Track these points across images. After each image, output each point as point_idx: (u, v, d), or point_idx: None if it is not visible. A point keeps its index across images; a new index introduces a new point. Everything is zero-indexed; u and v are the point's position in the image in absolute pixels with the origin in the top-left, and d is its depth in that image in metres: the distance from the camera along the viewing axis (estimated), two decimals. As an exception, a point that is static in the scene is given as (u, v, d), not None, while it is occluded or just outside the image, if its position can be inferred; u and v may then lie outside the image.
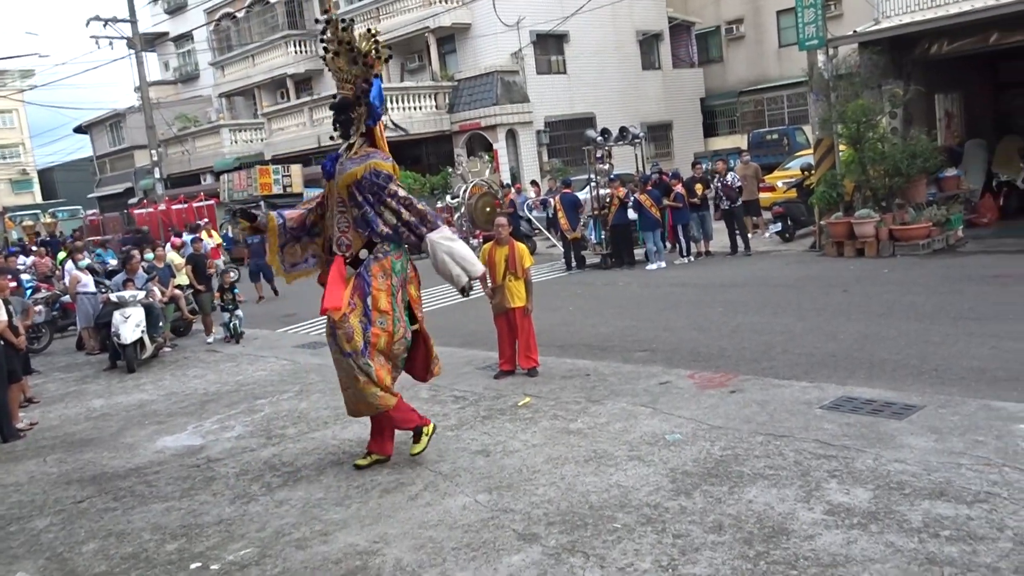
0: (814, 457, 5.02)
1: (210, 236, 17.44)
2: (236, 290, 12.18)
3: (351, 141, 5.67)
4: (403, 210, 5.48)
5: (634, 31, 30.48)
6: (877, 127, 13.60)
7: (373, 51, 5.58)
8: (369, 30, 5.68)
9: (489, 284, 7.91)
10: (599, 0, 26.25)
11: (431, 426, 5.82)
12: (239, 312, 11.99)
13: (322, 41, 5.66)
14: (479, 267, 5.72)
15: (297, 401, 7.97)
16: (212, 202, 27.05)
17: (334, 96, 5.87)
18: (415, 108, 26.97)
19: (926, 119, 15.37)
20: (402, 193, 5.53)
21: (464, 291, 5.60)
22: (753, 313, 9.93)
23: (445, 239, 5.56)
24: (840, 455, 5.00)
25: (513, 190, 21.81)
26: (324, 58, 5.67)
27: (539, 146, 27.42)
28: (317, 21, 6.22)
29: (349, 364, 5.43)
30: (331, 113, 5.85)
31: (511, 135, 26.92)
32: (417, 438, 5.76)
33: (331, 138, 5.95)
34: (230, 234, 24.09)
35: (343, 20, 5.62)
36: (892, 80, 14.56)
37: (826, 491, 4.50)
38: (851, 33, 15.18)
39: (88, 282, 12.49)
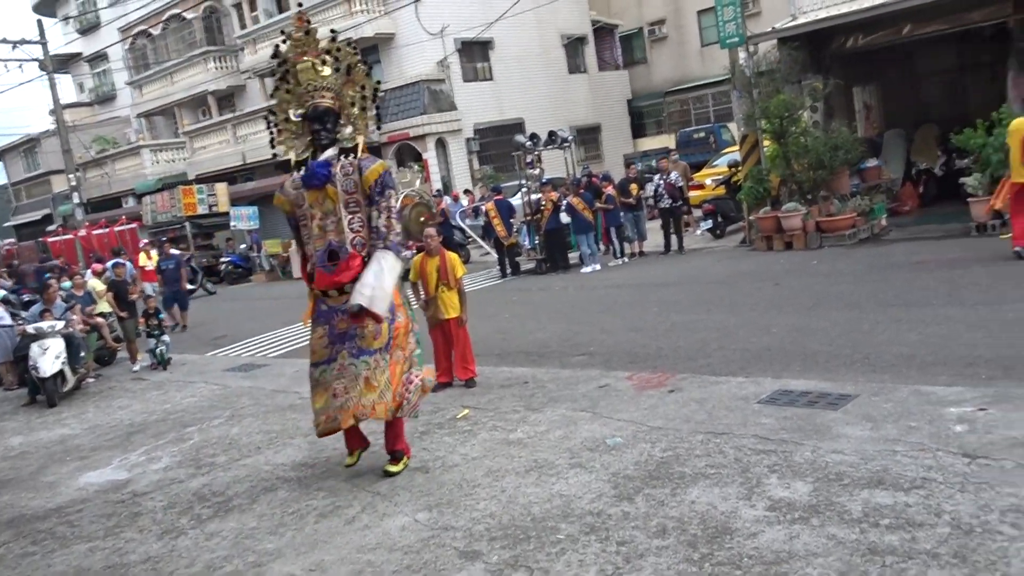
0: (754, 453, 5.00)
1: (149, 258, 16.85)
2: (161, 315, 11.79)
3: (328, 151, 5.53)
4: (389, 216, 5.49)
5: (558, 35, 30.64)
6: (799, 121, 13.85)
7: (360, 64, 5.66)
8: (347, 41, 5.71)
9: (422, 295, 7.77)
10: (522, 5, 26.31)
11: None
12: (165, 338, 11.60)
13: (299, 48, 5.55)
14: (382, 306, 5.41)
15: (228, 427, 7.70)
16: (135, 225, 26.29)
17: (268, 110, 5.82)
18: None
19: (846, 112, 15.73)
20: (393, 201, 5.59)
21: (350, 310, 5.37)
22: (688, 311, 9.98)
23: (391, 261, 5.45)
24: (779, 449, 4.99)
25: (449, 199, 21.68)
26: (292, 67, 5.53)
27: (469, 154, 27.33)
28: (301, 32, 6.09)
29: (369, 362, 5.37)
30: (255, 129, 5.81)
31: (440, 144, 26.77)
32: (398, 460, 5.68)
33: (322, 146, 5.63)
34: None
35: (332, 31, 5.68)
36: (811, 75, 14.87)
37: (767, 487, 4.47)
38: (770, 30, 15.45)
39: (3, 314, 11.95)
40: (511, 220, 16.02)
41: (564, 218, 15.12)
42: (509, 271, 15.90)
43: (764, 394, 6.09)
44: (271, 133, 5.72)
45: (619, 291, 12.36)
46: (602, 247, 15.99)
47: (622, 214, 15.44)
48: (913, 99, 17.94)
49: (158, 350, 11.44)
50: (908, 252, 11.68)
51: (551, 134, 17.07)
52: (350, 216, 5.46)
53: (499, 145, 27.55)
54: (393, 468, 5.60)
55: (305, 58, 5.46)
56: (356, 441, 5.89)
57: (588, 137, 31.57)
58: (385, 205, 5.45)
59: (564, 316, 11.08)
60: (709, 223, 16.17)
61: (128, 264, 15.50)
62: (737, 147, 16.34)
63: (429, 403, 7.31)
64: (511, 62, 28.95)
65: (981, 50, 15.96)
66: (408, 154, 26.68)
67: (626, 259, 15.35)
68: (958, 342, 6.83)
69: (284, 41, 5.56)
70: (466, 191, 23.93)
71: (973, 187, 11.91)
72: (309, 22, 5.63)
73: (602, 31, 32.91)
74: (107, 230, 26.46)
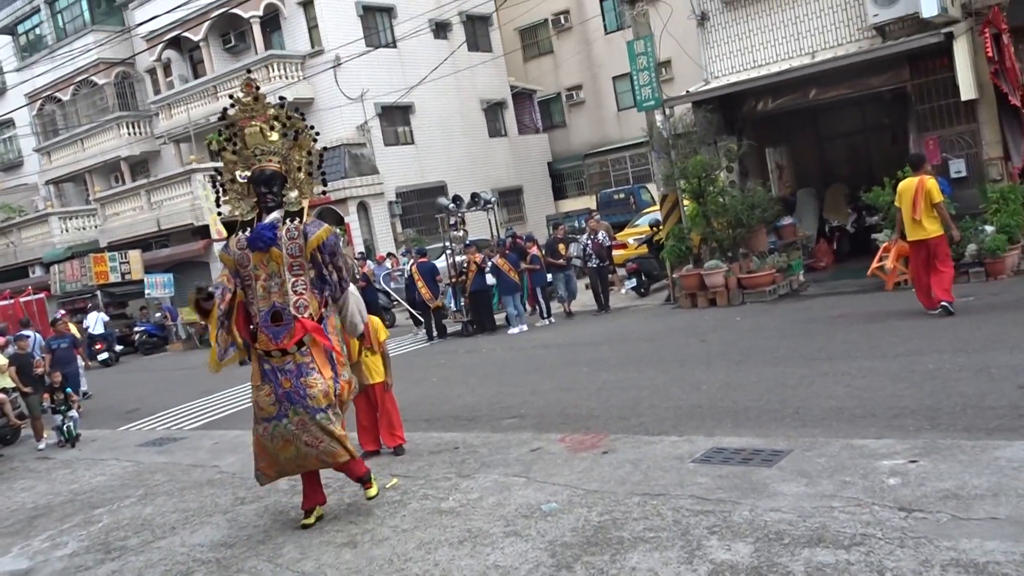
0: (692, 514, 4.90)
1: (75, 328, 15.94)
2: (68, 389, 11.19)
3: (274, 214, 5.61)
4: (341, 269, 5.75)
5: (478, 100, 31.07)
6: (716, 181, 14.20)
7: (307, 130, 5.86)
8: (293, 108, 6.03)
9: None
10: (441, 71, 26.64)
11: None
12: (73, 413, 10.99)
13: (247, 112, 5.67)
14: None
15: (140, 507, 7.25)
16: (42, 295, 25.20)
17: (215, 170, 6.05)
18: (261, 185, 26.29)
19: (760, 171, 16.21)
20: (341, 261, 5.79)
21: (360, 338, 6.01)
22: (618, 370, 9.95)
23: (355, 292, 6.16)
24: (717, 509, 4.91)
25: (372, 262, 21.45)
26: (240, 130, 5.65)
27: (392, 217, 27.24)
28: (250, 97, 6.18)
29: (325, 418, 5.52)
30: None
31: (363, 207, 26.62)
32: (369, 483, 5.95)
33: (269, 208, 5.69)
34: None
35: (282, 97, 5.93)
36: (726, 136, 15.31)
37: (708, 549, 4.36)
38: (684, 93, 15.91)
39: None
40: (436, 282, 15.89)
41: (489, 279, 15.08)
42: (435, 334, 15.71)
43: (698, 452, 6.03)
44: (216, 192, 5.82)
45: (547, 351, 12.29)
46: (528, 308, 15.96)
47: (551, 275, 15.51)
48: (822, 159, 18.65)
49: (65, 426, 10.82)
50: (827, 306, 11.96)
51: (474, 196, 17.13)
52: (294, 279, 5.55)
53: (422, 208, 27.55)
54: (372, 492, 5.93)
55: (253, 122, 5.59)
56: (316, 496, 5.98)
57: (511, 199, 31.87)
58: (337, 264, 5.69)
59: (493, 378, 10.93)
60: (633, 282, 16.34)
61: (35, 336, 14.76)
62: (657, 207, 16.63)
63: (336, 480, 7.03)
64: (432, 126, 29.17)
65: (883, 113, 16.72)
66: (330, 217, 26.38)
67: (552, 319, 15.34)
68: (883, 394, 6.93)
69: (232, 105, 5.67)
70: (389, 254, 23.75)
71: (883, 243, 12.32)
72: (258, 88, 5.82)
73: (521, 96, 33.54)
74: (11, 301, 25.27)
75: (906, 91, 14.06)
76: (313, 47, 27.51)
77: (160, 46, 30.40)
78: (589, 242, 15.46)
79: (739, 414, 7.13)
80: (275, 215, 5.55)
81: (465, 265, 15.65)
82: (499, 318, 15.83)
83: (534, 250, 15.46)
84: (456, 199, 17.13)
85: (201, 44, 29.72)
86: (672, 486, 5.43)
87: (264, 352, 5.53)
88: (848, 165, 18.43)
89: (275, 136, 5.64)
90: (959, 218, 10.48)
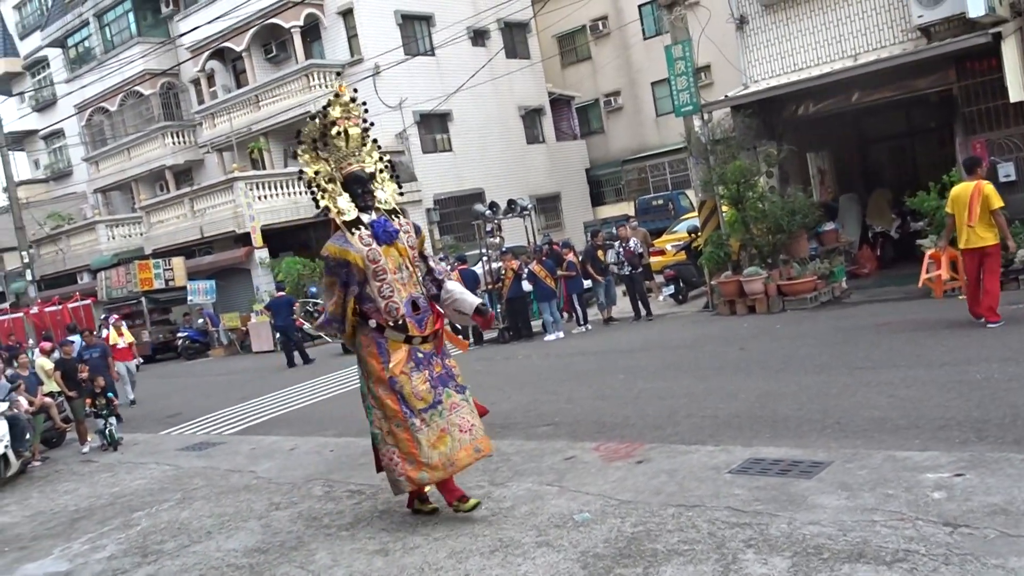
0: (728, 526, 4.79)
1: (120, 335, 16.18)
2: (110, 394, 11.36)
3: (373, 213, 5.67)
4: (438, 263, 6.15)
5: (516, 107, 31.09)
6: (756, 187, 14.01)
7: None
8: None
9: None
10: (479, 77, 26.69)
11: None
12: (113, 419, 11.15)
13: (346, 113, 5.69)
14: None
15: (178, 510, 7.31)
16: (89, 301, 25.72)
17: (313, 171, 5.82)
18: (300, 192, 26.60)
19: (801, 176, 15.96)
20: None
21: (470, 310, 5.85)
22: (654, 378, 9.83)
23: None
24: (754, 522, 4.80)
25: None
26: (340, 130, 5.64)
27: (430, 224, 27.34)
28: (348, 98, 6.42)
29: (471, 396, 5.79)
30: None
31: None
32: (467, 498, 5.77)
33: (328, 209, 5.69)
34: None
35: (354, 98, 5.78)
36: (765, 141, 15.11)
37: (743, 563, 4.26)
38: (723, 98, 15.74)
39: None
40: (476, 289, 15.89)
41: (526, 286, 15.03)
42: (472, 340, 15.70)
43: (735, 463, 5.91)
44: (313, 192, 5.68)
45: (583, 359, 12.20)
46: (564, 315, 15.88)
47: (589, 282, 15.45)
48: (865, 164, 18.32)
49: (107, 430, 10.99)
50: (871, 314, 11.71)
51: (510, 203, 17.10)
52: (415, 270, 5.74)
53: (459, 215, 27.61)
54: (470, 503, 5.70)
55: (351, 123, 5.67)
56: (456, 490, 5.77)
57: (548, 205, 31.82)
58: (437, 258, 6.03)
59: (528, 385, 10.87)
60: (671, 289, 16.18)
61: (78, 339, 15.00)
62: (696, 213, 16.47)
63: (371, 487, 7.02)
64: (470, 133, 29.26)
65: (928, 116, 16.39)
66: (369, 225, 26.58)
67: (589, 327, 15.25)
68: (929, 404, 6.74)
69: (327, 105, 5.64)
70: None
71: (930, 250, 12.03)
72: (356, 89, 6.00)
73: (559, 102, 33.50)
74: (60, 307, 25.82)
75: (952, 93, 13.76)
76: (353, 56, 27.76)
77: (204, 56, 30.90)
78: (621, 249, 15.37)
79: (778, 424, 6.98)
80: (374, 214, 5.64)
81: (502, 272, 15.62)
82: (536, 325, 15.77)
83: (570, 256, 15.39)
84: (493, 205, 17.12)
85: (243, 54, 30.15)
86: (708, 497, 5.32)
87: (419, 339, 5.57)
88: (892, 169, 18.10)
89: (364, 138, 5.78)
90: (1010, 224, 10.17)
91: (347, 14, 27.92)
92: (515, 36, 31.49)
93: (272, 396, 13.32)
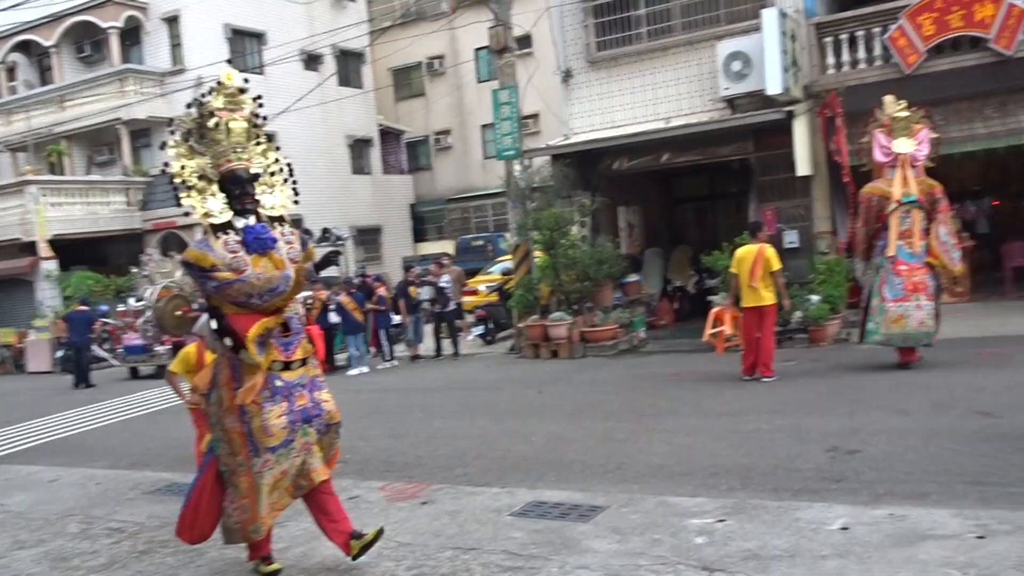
0: (501, 570, 4.76)
1: None
2: None
3: (252, 218, 4.96)
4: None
5: (344, 135, 30.63)
6: (568, 234, 14.41)
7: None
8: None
9: (190, 389, 7.00)
10: (308, 101, 26.12)
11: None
12: None
13: (231, 104, 4.97)
14: None
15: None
16: None
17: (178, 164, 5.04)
18: (102, 204, 24.95)
19: (611, 228, 16.59)
20: None
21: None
22: (451, 417, 9.77)
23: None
24: (527, 565, 4.79)
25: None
26: (210, 122, 4.92)
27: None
28: (234, 88, 5.46)
29: (334, 435, 5.23)
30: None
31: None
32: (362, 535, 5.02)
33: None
34: None
35: (258, 96, 5.12)
36: (581, 191, 15.61)
37: (509, 608, 4.21)
38: (544, 146, 16.17)
39: None
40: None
41: (333, 318, 14.65)
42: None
43: (518, 506, 5.92)
44: (176, 189, 4.93)
45: (384, 395, 11.98)
46: (371, 349, 15.63)
47: (399, 317, 15.28)
48: (671, 221, 19.32)
49: None
50: (663, 364, 12.24)
51: (324, 231, 16.72)
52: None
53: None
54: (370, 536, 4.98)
55: (236, 116, 4.96)
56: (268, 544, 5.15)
57: (369, 238, 31.42)
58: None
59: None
60: (481, 329, 16.29)
61: None
62: (511, 256, 16.73)
63: (156, 518, 6.53)
64: (294, 157, 27.91)
65: (729, 181, 17.53)
66: (175, 244, 25.18)
67: (395, 362, 15.05)
68: (703, 452, 7.04)
69: (209, 91, 4.97)
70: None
71: (716, 307, 12.77)
72: (247, 80, 5.16)
73: (389, 135, 33.35)
74: None
75: (750, 162, 14.79)
76: (175, 65, 26.46)
77: (6, 48, 28.54)
78: (433, 287, 15.39)
79: (564, 467, 7.07)
80: (253, 219, 4.95)
81: (310, 302, 15.17)
82: (340, 358, 15.39)
83: (381, 290, 15.19)
84: (306, 232, 16.66)
85: (52, 50, 28.05)
86: (486, 540, 5.27)
87: (281, 365, 4.88)
88: (695, 228, 19.18)
89: (251, 135, 5.10)
90: (789, 286, 10.96)
91: (172, 21, 26.63)
92: (349, 64, 31.13)
93: (43, 421, 12.19)
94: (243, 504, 4.81)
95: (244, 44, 27.83)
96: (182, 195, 4.88)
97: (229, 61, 25.97)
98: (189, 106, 4.99)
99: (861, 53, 13.61)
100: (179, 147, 4.95)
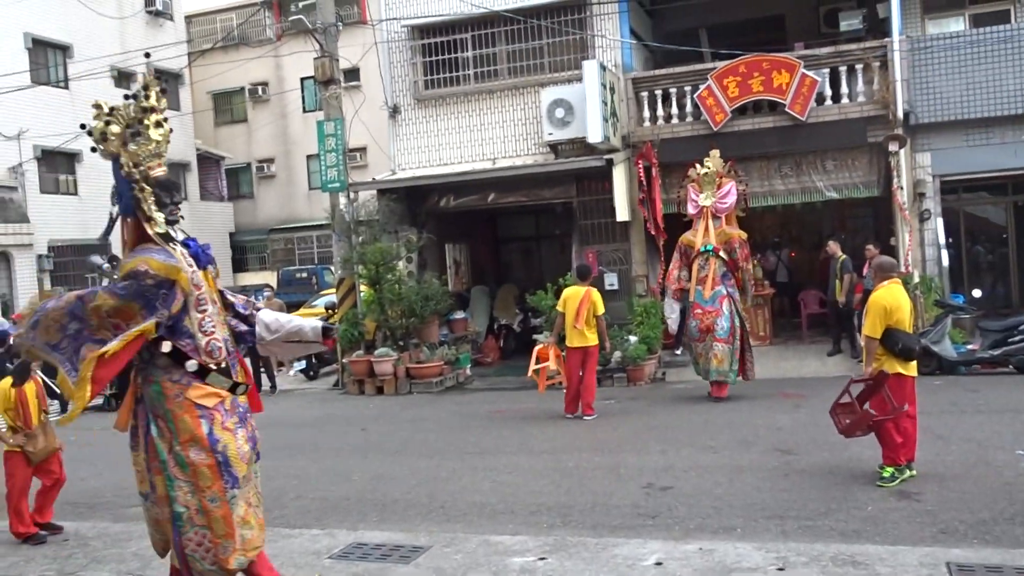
0: (319, 617, 4.58)
1: None
2: None
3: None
4: None
5: (160, 158, 29.11)
6: (395, 269, 14.32)
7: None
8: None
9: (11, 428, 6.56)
10: (118, 122, 24.67)
11: None
12: None
13: (160, 106, 4.42)
14: None
15: None
16: None
17: (116, 161, 4.43)
18: None
19: (438, 265, 16.65)
20: None
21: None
22: (268, 456, 9.22)
23: None
24: (346, 611, 4.64)
25: (7, 321, 18.79)
26: (162, 121, 4.41)
27: (40, 272, 24.27)
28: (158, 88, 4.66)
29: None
30: None
31: (3, 257, 23.49)
32: None
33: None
34: None
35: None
36: (408, 227, 15.59)
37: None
38: (371, 180, 16.04)
39: None
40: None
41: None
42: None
43: (337, 548, 5.76)
44: (133, 184, 4.31)
45: (197, 433, 11.35)
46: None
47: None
48: (497, 260, 19.66)
49: None
50: (488, 401, 12.34)
51: (136, 258, 15.74)
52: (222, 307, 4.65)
53: (79, 265, 24.86)
54: None
55: (165, 119, 4.47)
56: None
57: (184, 266, 29.91)
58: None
59: (124, 460, 9.77)
60: (303, 364, 15.82)
61: None
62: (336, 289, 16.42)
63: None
64: (102, 179, 26.65)
65: (553, 223, 18.05)
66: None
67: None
68: (525, 490, 7.13)
69: (146, 87, 4.42)
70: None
71: (540, 344, 13.06)
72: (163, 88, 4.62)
73: (208, 160, 32.00)
74: None
75: (573, 206, 15.31)
76: (-35, 72, 24.26)
77: None
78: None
79: (386, 507, 6.95)
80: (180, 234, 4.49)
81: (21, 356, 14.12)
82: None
83: (198, 322, 14.45)
84: (113, 258, 15.58)
85: None
86: (304, 585, 5.07)
87: (244, 388, 4.53)
88: (521, 268, 19.61)
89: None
90: (609, 327, 11.38)
91: (-38, 26, 24.50)
92: (166, 84, 29.69)
93: None
94: (224, 539, 4.32)
95: (46, 55, 25.97)
96: (135, 192, 4.31)
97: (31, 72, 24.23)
98: (128, 97, 4.46)
99: (674, 109, 14.47)
100: (118, 138, 4.38)
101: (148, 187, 4.33)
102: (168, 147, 4.56)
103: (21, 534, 6.48)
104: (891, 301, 6.57)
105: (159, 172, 4.42)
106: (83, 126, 4.53)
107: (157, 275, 4.17)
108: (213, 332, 4.42)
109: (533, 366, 10.86)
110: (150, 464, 4.41)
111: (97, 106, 4.44)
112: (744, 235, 11.16)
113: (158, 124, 4.42)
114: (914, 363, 6.66)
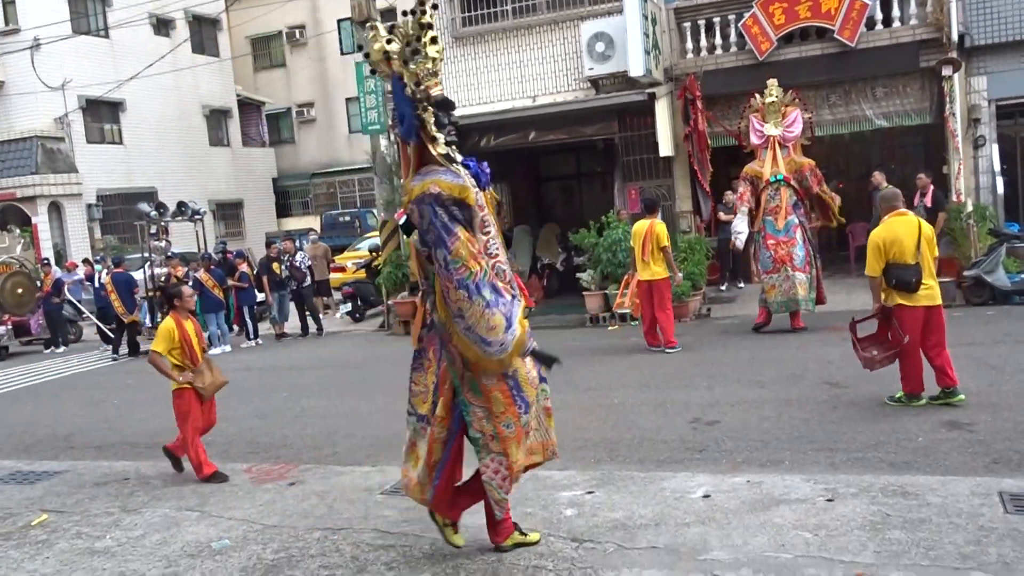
0: (372, 548, 4.71)
1: None
2: None
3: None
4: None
5: (200, 105, 29.29)
6: (436, 211, 14.27)
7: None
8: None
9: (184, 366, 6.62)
10: (159, 68, 24.84)
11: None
12: None
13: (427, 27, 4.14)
14: None
15: None
16: None
17: (400, 80, 4.23)
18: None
19: (479, 206, 16.59)
20: None
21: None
22: (319, 396, 9.57)
23: None
24: (399, 543, 4.76)
25: (60, 269, 19.29)
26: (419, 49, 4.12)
27: (90, 221, 24.80)
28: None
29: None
30: None
31: (55, 208, 24.00)
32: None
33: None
34: None
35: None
36: (449, 168, 15.50)
37: (383, 587, 4.17)
38: (411, 122, 15.92)
39: None
40: (132, 295, 14.48)
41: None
42: (126, 351, 14.33)
43: (389, 484, 5.86)
44: (420, 111, 4.17)
45: (248, 375, 11.58)
46: (234, 327, 15.09)
47: (263, 294, 14.84)
48: (538, 199, 19.55)
49: None
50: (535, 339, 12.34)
51: (180, 205, 15.96)
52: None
53: (127, 214, 25.32)
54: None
55: (436, 34, 4.19)
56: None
57: (229, 212, 30.31)
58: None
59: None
60: (348, 307, 16.01)
61: None
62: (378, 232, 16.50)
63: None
64: (145, 127, 27.03)
65: (594, 161, 17.86)
66: (15, 217, 23.50)
67: (259, 341, 14.59)
68: (571, 426, 7.16)
69: (423, 3, 4.17)
70: (84, 260, 21.49)
71: (587, 282, 13.04)
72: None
73: (248, 106, 32.12)
74: None
75: (614, 142, 15.10)
76: (7, 24, 24.52)
77: None
78: (288, 264, 15.01)
79: (435, 444, 7.04)
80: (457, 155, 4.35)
81: (165, 279, 14.46)
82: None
83: (243, 267, 14.66)
84: (160, 206, 15.81)
85: None
86: (357, 519, 5.21)
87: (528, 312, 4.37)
88: (562, 207, 19.49)
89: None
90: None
91: (4, -24, 24.69)
92: (204, 30, 29.72)
93: None
94: (516, 469, 4.37)
95: (86, 3, 26.09)
96: (417, 111, 4.14)
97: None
98: (406, 13, 4.21)
99: (718, 39, 14.11)
100: (398, 56, 4.16)
101: (430, 107, 4.18)
102: (442, 65, 4.33)
103: (204, 474, 6.39)
104: (886, 236, 6.55)
105: (437, 91, 4.21)
106: (359, 48, 4.28)
107: (447, 195, 4.07)
108: (498, 255, 4.30)
109: (620, 297, 10.89)
110: (440, 387, 4.38)
111: (373, 26, 4.24)
112: (813, 162, 10.91)
113: (433, 40, 4.17)
114: (918, 293, 6.54)
